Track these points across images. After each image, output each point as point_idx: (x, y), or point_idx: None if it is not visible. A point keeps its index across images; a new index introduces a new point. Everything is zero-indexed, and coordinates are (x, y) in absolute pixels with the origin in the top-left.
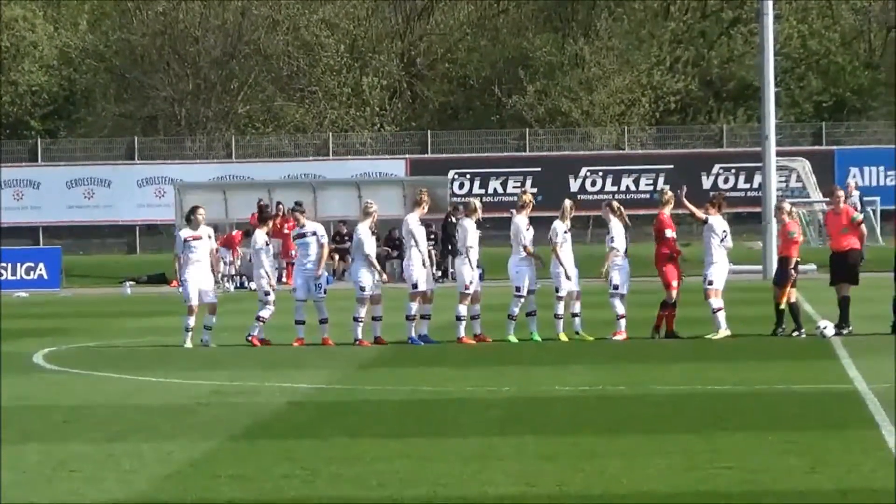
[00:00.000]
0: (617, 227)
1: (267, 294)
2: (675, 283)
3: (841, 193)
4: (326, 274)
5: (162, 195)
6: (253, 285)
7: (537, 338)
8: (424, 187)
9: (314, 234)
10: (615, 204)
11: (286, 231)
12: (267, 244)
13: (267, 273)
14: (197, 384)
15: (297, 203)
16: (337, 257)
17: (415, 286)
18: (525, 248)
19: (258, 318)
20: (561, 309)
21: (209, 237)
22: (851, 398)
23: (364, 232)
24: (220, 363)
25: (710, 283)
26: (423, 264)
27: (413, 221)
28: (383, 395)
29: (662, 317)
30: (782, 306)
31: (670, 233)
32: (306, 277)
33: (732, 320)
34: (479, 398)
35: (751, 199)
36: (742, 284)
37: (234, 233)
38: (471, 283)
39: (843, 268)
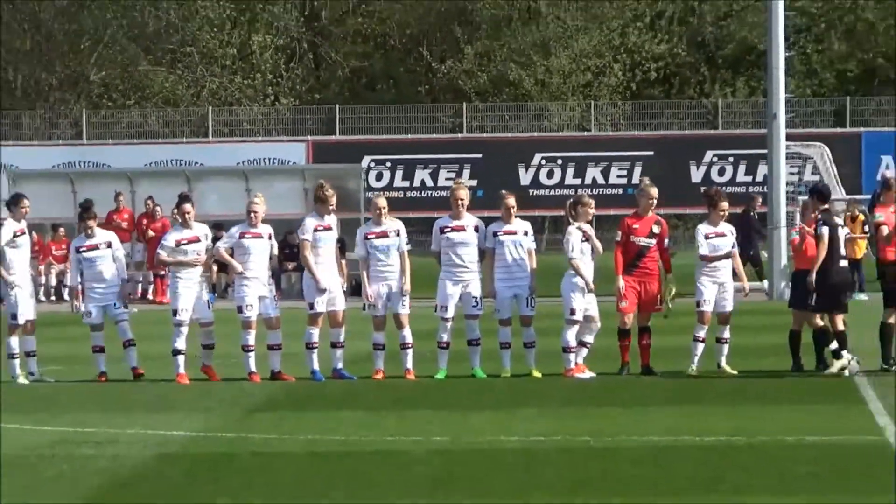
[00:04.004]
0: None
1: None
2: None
3: None
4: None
5: None
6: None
7: (481, 373)
8: (327, 180)
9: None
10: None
11: (152, 233)
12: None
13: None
14: (35, 431)
15: (182, 196)
16: (215, 269)
17: (311, 306)
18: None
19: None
20: (507, 336)
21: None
22: (881, 453)
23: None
24: (65, 403)
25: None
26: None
27: (311, 224)
28: (278, 445)
29: (624, 348)
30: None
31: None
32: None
33: (733, 351)
34: (403, 451)
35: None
36: (749, 306)
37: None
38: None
39: None
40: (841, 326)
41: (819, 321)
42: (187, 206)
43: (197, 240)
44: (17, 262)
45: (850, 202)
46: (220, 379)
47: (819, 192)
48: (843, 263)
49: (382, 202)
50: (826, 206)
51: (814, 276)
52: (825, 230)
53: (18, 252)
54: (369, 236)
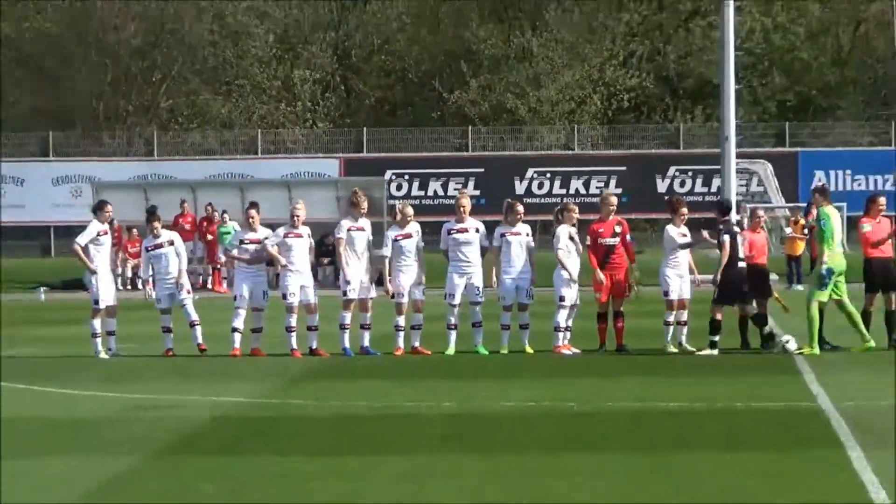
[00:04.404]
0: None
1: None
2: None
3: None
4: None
5: (78, 195)
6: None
7: (483, 350)
8: (359, 188)
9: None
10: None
11: (210, 237)
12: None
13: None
14: (114, 397)
15: (251, 203)
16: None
17: (344, 294)
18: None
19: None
20: (507, 319)
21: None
22: (814, 417)
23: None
24: (139, 374)
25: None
26: (354, 271)
27: (346, 225)
28: (314, 410)
29: (602, 330)
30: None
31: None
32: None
33: (691, 332)
34: (418, 414)
35: (708, 205)
36: (700, 295)
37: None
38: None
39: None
40: (754, 310)
41: (718, 315)
42: (252, 212)
43: (259, 241)
44: (99, 257)
45: (794, 209)
46: (267, 355)
47: (720, 206)
48: (741, 265)
49: (410, 210)
50: (727, 217)
51: (718, 276)
52: (726, 238)
53: (101, 249)
54: (398, 238)
